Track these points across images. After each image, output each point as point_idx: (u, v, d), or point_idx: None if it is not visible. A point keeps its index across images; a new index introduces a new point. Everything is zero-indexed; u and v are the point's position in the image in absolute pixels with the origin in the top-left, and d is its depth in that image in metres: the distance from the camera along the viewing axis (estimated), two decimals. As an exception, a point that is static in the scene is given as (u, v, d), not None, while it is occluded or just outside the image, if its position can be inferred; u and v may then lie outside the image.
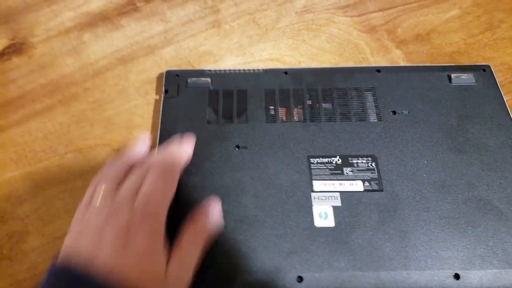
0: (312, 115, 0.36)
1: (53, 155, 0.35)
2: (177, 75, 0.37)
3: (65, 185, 0.33)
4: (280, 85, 0.37)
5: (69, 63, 0.40)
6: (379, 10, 0.43)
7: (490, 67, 0.39)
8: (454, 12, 0.44)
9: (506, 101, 0.37)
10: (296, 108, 0.36)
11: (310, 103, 0.36)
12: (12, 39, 0.41)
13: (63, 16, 0.42)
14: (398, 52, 0.41)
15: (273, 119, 0.35)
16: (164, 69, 0.38)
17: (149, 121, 0.36)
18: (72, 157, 0.35)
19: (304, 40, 0.41)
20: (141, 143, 0.33)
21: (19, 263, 0.30)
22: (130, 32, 0.42)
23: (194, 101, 0.36)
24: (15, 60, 0.40)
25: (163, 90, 0.37)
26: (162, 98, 0.36)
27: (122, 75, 0.39)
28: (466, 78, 0.38)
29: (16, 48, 0.40)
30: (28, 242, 0.31)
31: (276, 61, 0.40)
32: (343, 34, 0.42)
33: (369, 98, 0.36)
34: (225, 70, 0.38)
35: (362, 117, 0.35)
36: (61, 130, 0.36)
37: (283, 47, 0.41)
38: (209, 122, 0.35)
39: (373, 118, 0.35)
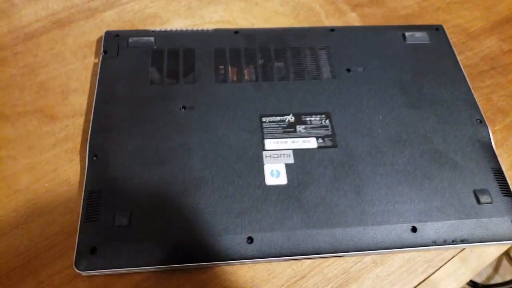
0: (264, 75, 0.34)
1: (-25, 123, 0.32)
2: (117, 35, 0.35)
3: (-13, 153, 0.30)
4: (230, 45, 0.36)
5: (-3, 26, 0.37)
6: (333, -25, 0.43)
7: (443, 27, 0.39)
8: (408, -23, 0.44)
9: (459, 60, 0.37)
10: (247, 68, 0.35)
11: (262, 62, 0.35)
12: None
13: (-9, -22, 0.40)
14: (353, 14, 0.41)
15: (223, 78, 0.34)
16: (104, 31, 0.36)
17: (86, 85, 0.34)
18: (-3, 124, 0.32)
19: (257, 3, 0.41)
20: None
21: None
22: (68, -5, 0.40)
23: (136, 61, 0.34)
24: None
25: (103, 51, 0.35)
26: (101, 59, 0.34)
27: (58, 39, 0.37)
28: (420, 37, 0.38)
29: None
30: None
31: (228, 23, 0.39)
32: (297, -3, 0.42)
33: (323, 56, 0.36)
34: (170, 30, 0.36)
35: (316, 76, 0.35)
36: (-14, 97, 0.33)
37: (235, 9, 0.40)
38: (152, 83, 0.33)
39: (327, 76, 0.35)
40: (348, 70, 0.35)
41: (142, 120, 0.31)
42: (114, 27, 0.37)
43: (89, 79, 0.34)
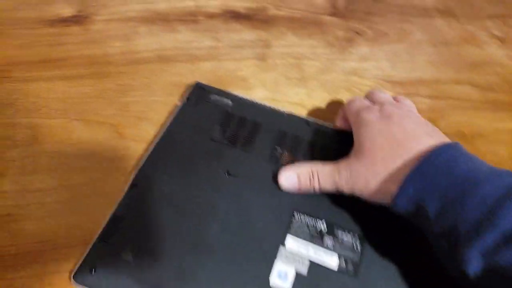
0: (316, 172, 0.36)
1: (62, 116, 0.39)
2: (203, 89, 0.41)
3: (58, 145, 0.37)
4: (296, 132, 0.39)
5: (116, 45, 0.45)
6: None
7: None
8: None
9: None
10: (303, 159, 0.37)
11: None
12: (79, 11, 0.48)
13: (130, 6, 0.50)
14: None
15: (275, 159, 0.37)
16: (196, 78, 0.42)
17: (160, 119, 0.39)
18: (77, 125, 0.39)
19: (340, 98, 0.43)
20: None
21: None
22: (181, 38, 0.47)
23: (208, 116, 0.39)
24: (74, 28, 0.47)
25: (186, 97, 0.40)
26: (182, 103, 0.40)
27: (156, 71, 0.44)
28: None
29: (78, 19, 0.48)
30: (2, 185, 0.35)
31: (305, 108, 0.42)
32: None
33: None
34: (250, 100, 0.41)
35: (367, 193, 0.35)
36: (80, 99, 0.41)
37: (316, 97, 0.43)
38: (212, 140, 0.37)
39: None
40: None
41: (188, 169, 0.35)
42: (206, 76, 0.43)
43: (165, 115, 0.40)
